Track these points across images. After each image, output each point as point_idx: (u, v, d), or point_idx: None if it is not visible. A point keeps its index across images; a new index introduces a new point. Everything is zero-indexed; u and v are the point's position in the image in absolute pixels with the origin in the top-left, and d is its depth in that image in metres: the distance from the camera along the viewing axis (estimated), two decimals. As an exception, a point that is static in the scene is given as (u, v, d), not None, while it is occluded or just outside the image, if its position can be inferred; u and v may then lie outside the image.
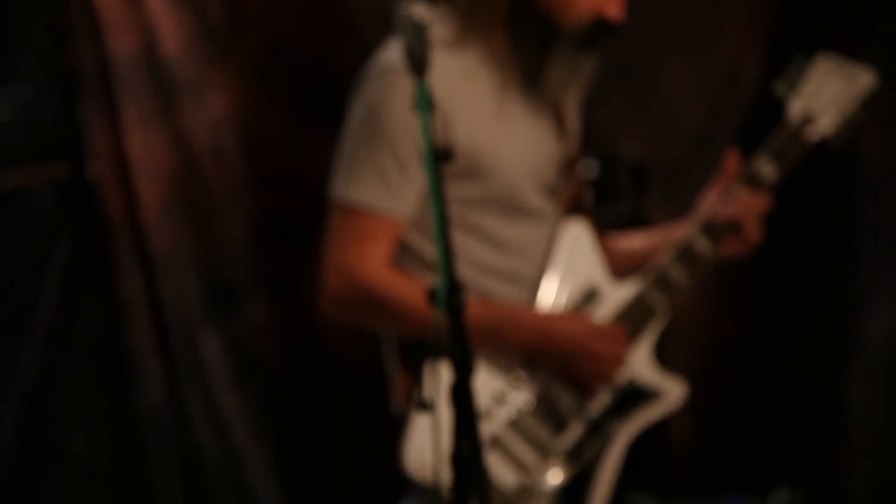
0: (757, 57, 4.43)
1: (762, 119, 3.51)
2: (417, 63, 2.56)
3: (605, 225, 3.69)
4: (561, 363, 3.23)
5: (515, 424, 3.22)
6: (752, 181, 3.37)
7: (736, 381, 4.55)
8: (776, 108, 3.42)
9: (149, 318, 4.20)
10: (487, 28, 3.21)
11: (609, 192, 4.47)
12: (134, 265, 4.19)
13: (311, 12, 4.33)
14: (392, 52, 3.19)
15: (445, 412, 2.40)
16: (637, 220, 4.34)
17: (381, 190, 3.15)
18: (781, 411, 4.50)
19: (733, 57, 4.50)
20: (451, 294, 2.44)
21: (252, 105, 4.31)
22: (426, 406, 2.41)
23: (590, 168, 4.22)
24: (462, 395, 2.40)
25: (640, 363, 3.32)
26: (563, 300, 3.30)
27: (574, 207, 3.39)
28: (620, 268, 3.42)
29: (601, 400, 3.29)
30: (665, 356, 4.41)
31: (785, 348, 4.52)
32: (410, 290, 3.16)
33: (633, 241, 3.49)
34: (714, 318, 4.55)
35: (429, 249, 3.22)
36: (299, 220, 4.30)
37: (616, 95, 4.48)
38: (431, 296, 2.46)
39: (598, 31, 3.21)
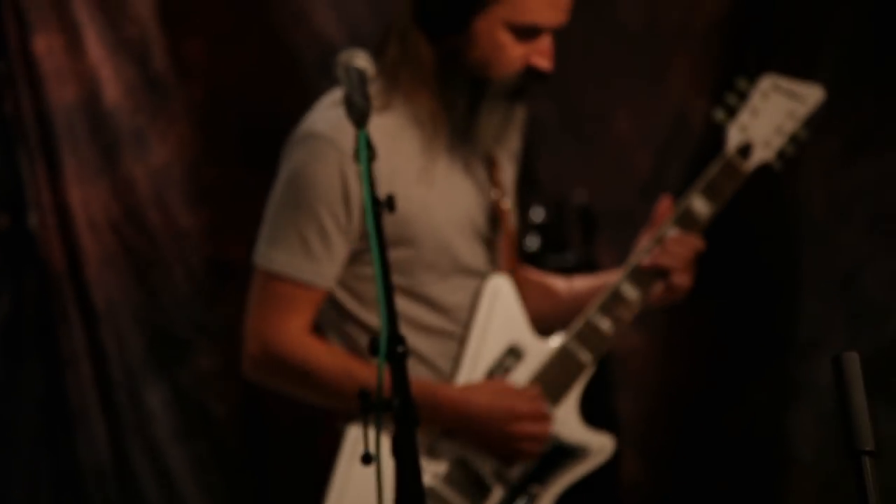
0: (704, 102, 4.44)
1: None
2: (358, 112, 2.47)
3: (553, 271, 3.66)
4: (478, 440, 3.13)
5: (433, 494, 3.11)
6: (683, 219, 3.25)
7: (686, 423, 4.54)
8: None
9: (91, 370, 4.15)
10: (411, 87, 3.12)
11: (558, 239, 4.46)
12: (76, 317, 4.14)
13: (255, 60, 4.30)
14: (317, 115, 3.12)
15: (380, 469, 2.34)
16: (586, 267, 4.33)
17: (302, 259, 3.10)
18: (731, 454, 4.49)
19: (680, 102, 4.50)
20: (393, 343, 2.35)
21: (196, 154, 4.27)
22: (369, 459, 2.36)
23: (538, 215, 4.21)
24: (405, 447, 2.35)
25: (566, 420, 3.20)
26: (487, 358, 3.20)
27: (511, 255, 3.31)
28: (567, 310, 3.33)
29: (523, 464, 3.17)
30: (615, 399, 4.39)
31: (735, 391, 4.51)
32: (328, 360, 3.10)
33: (577, 284, 3.41)
34: (664, 360, 4.54)
35: (365, 314, 3.16)
36: (243, 269, 4.26)
37: (564, 142, 4.47)
38: (373, 345, 2.38)
39: (529, 80, 3.14)
